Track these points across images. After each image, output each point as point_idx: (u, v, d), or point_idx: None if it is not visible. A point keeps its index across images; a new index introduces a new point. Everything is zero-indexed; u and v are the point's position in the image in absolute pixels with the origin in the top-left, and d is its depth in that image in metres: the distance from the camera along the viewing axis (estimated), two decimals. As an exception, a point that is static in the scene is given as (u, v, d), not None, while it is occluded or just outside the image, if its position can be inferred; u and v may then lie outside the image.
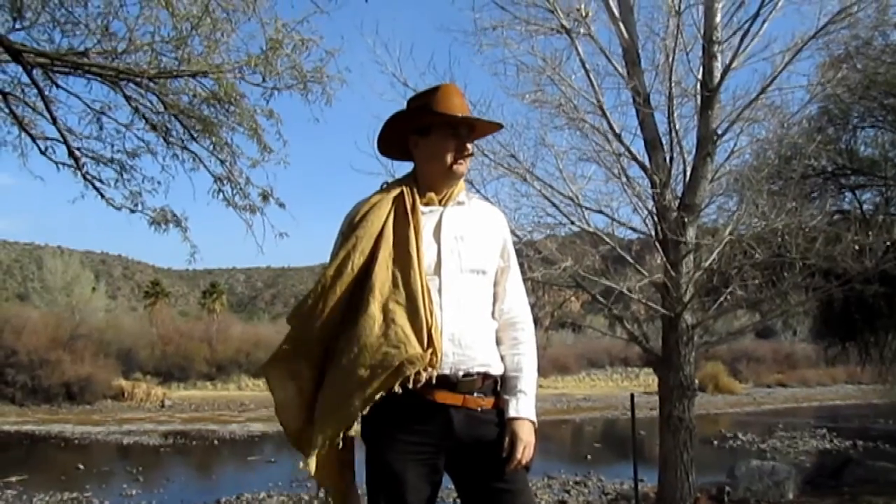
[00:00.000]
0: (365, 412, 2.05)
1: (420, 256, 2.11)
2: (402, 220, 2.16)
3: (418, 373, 2.00)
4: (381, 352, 2.01)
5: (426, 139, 2.24)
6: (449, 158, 2.21)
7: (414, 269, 2.08)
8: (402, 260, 2.10)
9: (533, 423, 2.17)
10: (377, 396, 2.02)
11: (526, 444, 2.12)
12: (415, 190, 2.23)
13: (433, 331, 2.05)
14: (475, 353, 2.13)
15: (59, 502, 12.37)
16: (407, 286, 2.07)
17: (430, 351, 2.02)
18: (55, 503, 12.32)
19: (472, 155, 2.27)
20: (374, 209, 2.19)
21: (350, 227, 2.19)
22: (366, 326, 2.04)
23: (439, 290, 2.11)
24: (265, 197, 6.03)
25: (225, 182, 5.97)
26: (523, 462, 2.12)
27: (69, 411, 28.75)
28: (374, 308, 2.06)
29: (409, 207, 2.17)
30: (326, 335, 2.13)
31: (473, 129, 2.29)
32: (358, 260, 2.12)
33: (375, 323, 2.04)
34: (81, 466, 16.23)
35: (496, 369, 2.20)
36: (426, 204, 2.22)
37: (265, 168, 5.99)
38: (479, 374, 2.14)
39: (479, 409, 2.13)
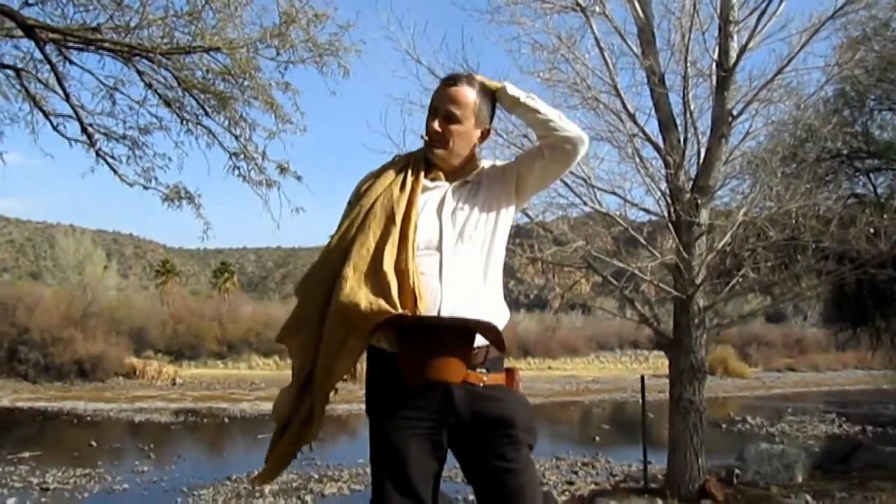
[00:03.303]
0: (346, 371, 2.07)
1: (407, 226, 2.09)
2: (399, 191, 2.15)
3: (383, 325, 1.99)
4: (344, 309, 2.02)
5: None
6: (425, 138, 2.23)
7: (393, 237, 2.07)
8: (385, 227, 2.09)
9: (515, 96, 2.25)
10: (350, 355, 2.04)
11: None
12: (422, 164, 2.22)
13: (396, 292, 2.01)
14: None
15: (72, 478, 12.47)
16: (378, 251, 2.06)
17: (379, 301, 1.99)
18: (68, 479, 12.42)
19: (437, 138, 2.19)
20: (378, 179, 2.21)
21: (356, 197, 2.21)
22: (338, 287, 2.05)
23: (440, 266, 2.09)
24: (283, 170, 5.99)
25: (240, 157, 5.95)
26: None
27: (81, 388, 28.95)
28: (348, 269, 2.06)
29: (408, 180, 2.17)
30: (326, 304, 2.11)
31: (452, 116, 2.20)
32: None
33: (347, 283, 2.04)
34: (94, 443, 16.38)
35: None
36: (433, 179, 2.22)
37: (282, 140, 5.96)
38: (480, 348, 2.11)
39: (481, 385, 2.09)
